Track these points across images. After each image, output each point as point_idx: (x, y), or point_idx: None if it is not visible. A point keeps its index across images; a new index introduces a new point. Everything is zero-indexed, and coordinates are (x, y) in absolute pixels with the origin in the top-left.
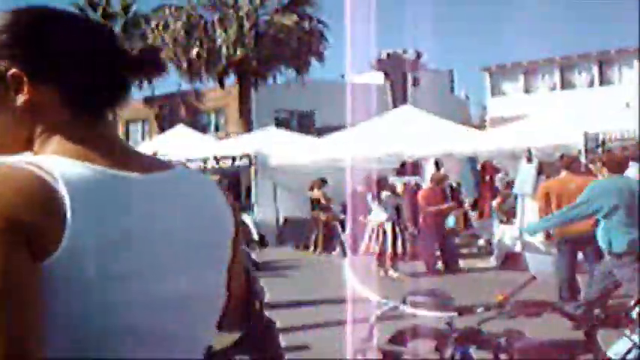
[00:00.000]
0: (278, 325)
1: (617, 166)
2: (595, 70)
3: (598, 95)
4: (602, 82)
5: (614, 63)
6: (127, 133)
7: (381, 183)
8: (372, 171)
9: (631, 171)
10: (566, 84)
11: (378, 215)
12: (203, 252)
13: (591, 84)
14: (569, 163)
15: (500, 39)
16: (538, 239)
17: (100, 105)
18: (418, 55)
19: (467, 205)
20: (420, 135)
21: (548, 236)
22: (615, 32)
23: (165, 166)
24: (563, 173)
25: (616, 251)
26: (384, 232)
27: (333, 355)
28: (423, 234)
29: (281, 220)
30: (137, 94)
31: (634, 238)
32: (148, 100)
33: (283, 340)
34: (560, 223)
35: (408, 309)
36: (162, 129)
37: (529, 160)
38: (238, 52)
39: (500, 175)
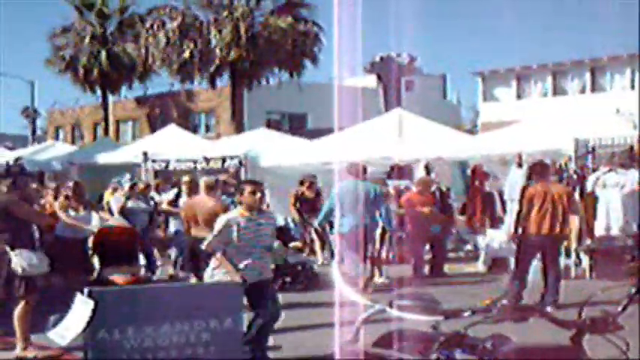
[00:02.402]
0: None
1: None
2: (587, 76)
3: (589, 101)
4: (593, 89)
5: (605, 70)
6: (117, 132)
7: None
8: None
9: (618, 178)
10: (558, 90)
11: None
12: None
13: (583, 90)
14: (538, 169)
15: (494, 45)
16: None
17: None
18: (412, 59)
19: (456, 210)
20: (411, 139)
21: (514, 234)
22: (607, 40)
23: None
24: (533, 180)
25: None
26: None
27: (319, 357)
28: (410, 238)
29: None
30: (128, 93)
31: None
32: (140, 100)
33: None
34: (325, 214)
35: (394, 312)
36: (153, 129)
37: (519, 165)
38: (232, 54)
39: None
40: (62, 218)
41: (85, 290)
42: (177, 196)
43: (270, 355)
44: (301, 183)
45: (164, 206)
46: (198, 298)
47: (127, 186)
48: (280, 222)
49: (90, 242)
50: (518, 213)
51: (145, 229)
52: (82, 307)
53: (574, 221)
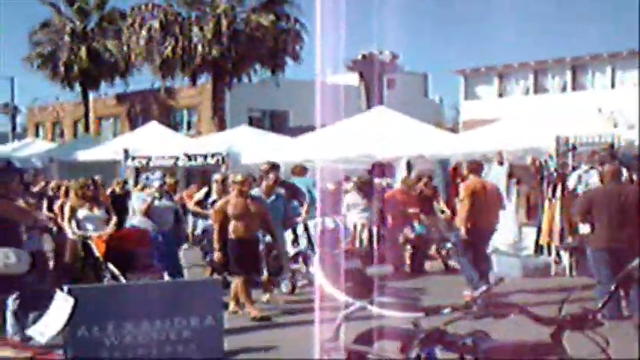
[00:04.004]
0: (244, 324)
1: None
2: (568, 75)
3: (571, 100)
4: (575, 87)
5: (587, 68)
6: (98, 129)
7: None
8: (342, 171)
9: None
10: (539, 88)
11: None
12: None
13: (564, 89)
14: (475, 167)
15: (475, 43)
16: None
17: None
18: (393, 57)
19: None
20: (392, 136)
21: (467, 230)
22: (589, 38)
23: None
24: (471, 177)
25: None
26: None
27: (299, 354)
28: (391, 235)
29: None
30: (109, 90)
31: None
32: (121, 97)
33: (251, 340)
34: None
35: (374, 309)
36: (134, 126)
37: (500, 163)
38: (214, 51)
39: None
40: (64, 226)
41: (65, 287)
42: (207, 195)
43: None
44: None
45: (192, 206)
46: (178, 296)
47: (156, 184)
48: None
49: (97, 248)
50: (467, 208)
51: (172, 229)
52: (61, 305)
53: (555, 219)
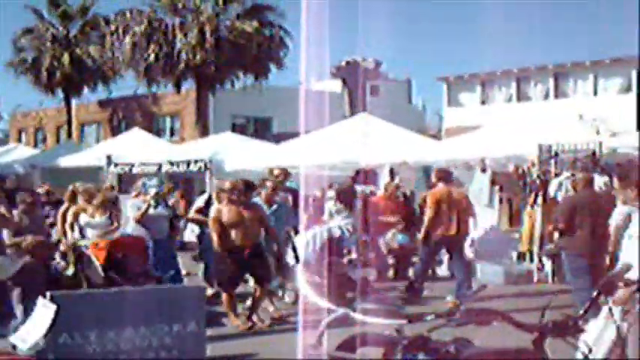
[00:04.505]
0: (228, 331)
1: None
2: (550, 82)
3: (553, 107)
4: (557, 95)
5: (569, 76)
6: (80, 135)
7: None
8: (326, 178)
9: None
10: (522, 96)
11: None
12: None
13: (547, 96)
14: (444, 175)
15: (458, 50)
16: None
17: None
18: (377, 64)
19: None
20: (376, 143)
21: (426, 237)
22: (570, 46)
23: None
24: (440, 184)
25: None
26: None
27: None
28: (373, 243)
29: None
30: (92, 96)
31: None
32: (103, 103)
33: (234, 347)
34: None
35: (357, 316)
36: (117, 132)
37: (483, 170)
38: (198, 57)
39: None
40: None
41: (47, 294)
42: (208, 202)
43: None
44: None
45: (192, 213)
46: (161, 302)
47: (152, 191)
48: (336, 232)
49: (96, 256)
50: (430, 216)
51: (166, 237)
52: (43, 311)
53: (536, 225)
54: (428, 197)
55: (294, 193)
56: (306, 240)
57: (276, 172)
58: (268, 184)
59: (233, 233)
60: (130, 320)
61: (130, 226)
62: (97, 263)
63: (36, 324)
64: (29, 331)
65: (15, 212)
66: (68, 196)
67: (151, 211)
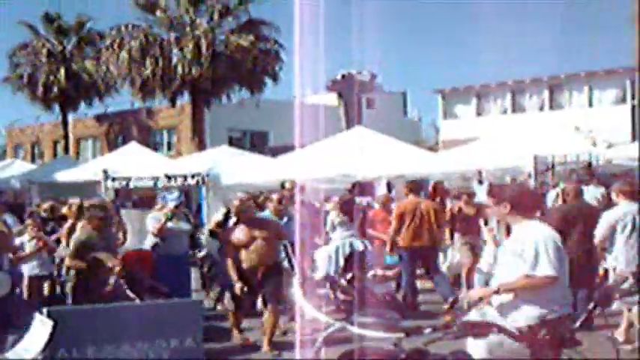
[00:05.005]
0: (225, 345)
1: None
2: (546, 94)
3: (548, 119)
4: (552, 106)
5: (564, 87)
6: (77, 150)
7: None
8: (322, 191)
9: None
10: (517, 107)
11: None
12: None
13: (542, 108)
14: (414, 187)
15: (453, 62)
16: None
17: None
18: (372, 77)
19: None
20: (372, 156)
21: (391, 248)
22: (565, 58)
23: None
24: (410, 196)
25: None
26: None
27: None
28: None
29: None
30: (89, 111)
31: None
32: (100, 118)
33: None
34: None
35: (355, 330)
36: (113, 147)
37: (480, 182)
38: (194, 71)
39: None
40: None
41: (44, 310)
42: (227, 216)
43: None
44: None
45: (211, 227)
46: (158, 317)
47: (172, 205)
48: (359, 246)
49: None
50: (394, 228)
51: (186, 253)
52: (40, 327)
53: None
54: (394, 209)
55: (311, 207)
56: (328, 254)
57: (287, 184)
58: (277, 196)
59: (244, 254)
60: (127, 335)
61: (149, 240)
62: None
63: (33, 339)
64: (26, 347)
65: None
66: (74, 213)
67: (170, 224)
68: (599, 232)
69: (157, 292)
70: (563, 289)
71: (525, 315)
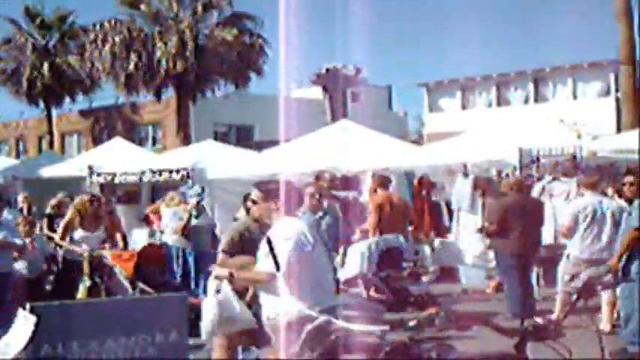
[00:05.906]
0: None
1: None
2: (530, 87)
3: (533, 112)
4: (537, 99)
5: (548, 80)
6: (62, 145)
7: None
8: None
9: (563, 186)
10: (502, 100)
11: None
12: None
13: (526, 101)
14: (383, 181)
15: (438, 55)
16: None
17: None
18: (357, 71)
19: None
20: (357, 150)
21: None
22: (550, 50)
23: None
24: (379, 190)
25: None
26: None
27: None
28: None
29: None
30: (73, 106)
31: None
32: (84, 113)
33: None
34: None
35: (340, 323)
36: (98, 142)
37: (465, 175)
38: (178, 66)
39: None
40: (58, 242)
41: (27, 305)
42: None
43: None
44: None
45: None
46: (143, 312)
47: (194, 200)
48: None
49: (123, 268)
50: (372, 221)
51: (207, 249)
52: (24, 323)
53: None
54: (370, 202)
55: (344, 202)
56: (361, 251)
57: (326, 175)
58: (312, 190)
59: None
60: (112, 331)
61: (167, 236)
62: (124, 275)
63: (16, 336)
64: (9, 344)
65: None
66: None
67: (193, 221)
68: (563, 222)
69: (170, 286)
70: None
71: None
